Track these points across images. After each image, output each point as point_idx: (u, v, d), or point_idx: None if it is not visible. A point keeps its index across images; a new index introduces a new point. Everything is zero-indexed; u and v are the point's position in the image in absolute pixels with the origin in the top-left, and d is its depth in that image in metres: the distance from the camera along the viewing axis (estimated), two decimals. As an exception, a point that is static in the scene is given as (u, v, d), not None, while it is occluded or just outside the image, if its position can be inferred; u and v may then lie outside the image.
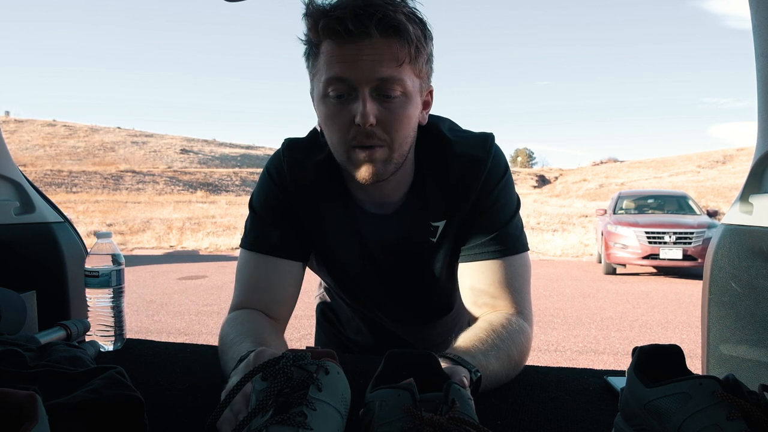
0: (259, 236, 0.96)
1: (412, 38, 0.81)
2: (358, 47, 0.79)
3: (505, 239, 0.92)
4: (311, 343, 1.39)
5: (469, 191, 0.92)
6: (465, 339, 0.82)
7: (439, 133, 0.95)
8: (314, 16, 0.80)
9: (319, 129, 0.93)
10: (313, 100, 0.92)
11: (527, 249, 0.96)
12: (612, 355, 4.40)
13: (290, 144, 1.00)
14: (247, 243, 0.97)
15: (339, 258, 1.02)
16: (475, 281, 0.93)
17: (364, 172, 0.85)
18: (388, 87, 0.81)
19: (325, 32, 0.80)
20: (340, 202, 0.97)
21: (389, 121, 0.82)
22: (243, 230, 1.01)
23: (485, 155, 0.92)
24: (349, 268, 1.03)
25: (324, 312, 1.32)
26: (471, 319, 0.95)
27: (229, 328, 0.88)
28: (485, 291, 0.92)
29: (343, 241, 0.99)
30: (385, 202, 0.96)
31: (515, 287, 0.92)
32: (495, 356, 0.79)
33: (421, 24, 0.84)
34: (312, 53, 0.86)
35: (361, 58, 0.79)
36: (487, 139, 0.95)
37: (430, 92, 0.92)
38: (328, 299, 1.31)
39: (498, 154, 0.95)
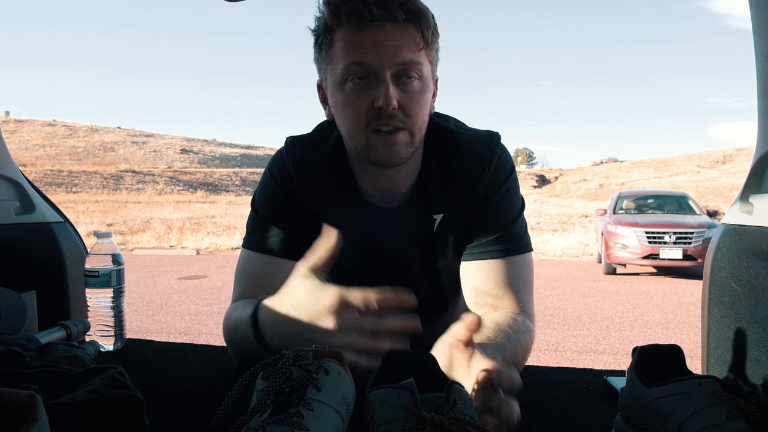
0: (261, 237, 0.96)
1: (429, 23, 0.83)
2: (378, 32, 0.80)
3: (510, 239, 0.92)
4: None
5: (473, 188, 0.92)
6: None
7: (445, 129, 0.95)
8: (335, 2, 0.81)
9: (330, 120, 0.93)
10: (321, 91, 0.92)
11: (531, 249, 0.96)
12: (612, 355, 4.40)
13: (294, 141, 1.00)
14: (248, 243, 0.97)
15: (343, 252, 1.01)
16: (478, 280, 0.92)
17: (384, 155, 0.85)
18: (409, 71, 0.82)
19: (347, 17, 0.80)
20: (346, 196, 0.97)
21: (409, 104, 0.83)
22: (245, 230, 1.01)
23: (490, 154, 0.93)
24: (353, 263, 1.02)
25: None
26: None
27: (232, 310, 0.89)
28: (488, 291, 0.91)
29: (348, 236, 0.99)
30: (391, 194, 0.96)
31: (518, 287, 0.92)
32: (502, 356, 0.78)
33: (431, 15, 0.86)
34: (325, 42, 0.86)
35: (382, 43, 0.80)
36: (493, 138, 0.95)
37: (436, 82, 0.93)
38: None
39: (504, 153, 0.95)
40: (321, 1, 0.84)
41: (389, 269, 1.02)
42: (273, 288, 0.95)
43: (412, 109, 0.84)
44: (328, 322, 0.68)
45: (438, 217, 0.95)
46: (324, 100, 0.92)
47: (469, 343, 0.64)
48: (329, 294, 0.68)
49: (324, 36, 0.86)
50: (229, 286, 1.00)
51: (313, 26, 0.87)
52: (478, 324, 0.61)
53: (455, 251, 0.97)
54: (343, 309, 0.67)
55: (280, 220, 0.96)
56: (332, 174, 0.96)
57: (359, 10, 0.79)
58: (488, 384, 0.59)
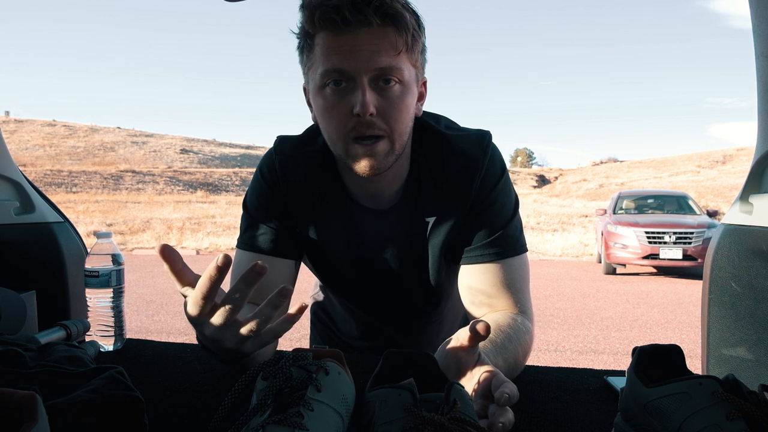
0: (253, 236, 0.96)
1: (408, 27, 0.81)
2: (355, 37, 0.79)
3: (505, 241, 0.92)
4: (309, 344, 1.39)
5: (464, 190, 0.91)
6: None
7: (435, 130, 0.95)
8: (310, 7, 0.80)
9: (315, 123, 0.93)
10: (306, 94, 0.91)
11: (526, 250, 0.96)
12: (612, 355, 4.40)
13: (282, 141, 1.00)
14: (241, 243, 0.98)
15: (332, 254, 1.01)
16: (476, 283, 0.92)
17: (364, 166, 0.84)
18: (387, 76, 0.81)
19: (322, 22, 0.79)
20: (335, 198, 0.96)
21: (388, 110, 0.82)
22: (239, 231, 1.01)
23: (482, 154, 0.92)
24: (343, 264, 1.02)
25: (318, 312, 1.32)
26: (471, 319, 0.94)
27: None
28: (486, 293, 0.91)
29: (337, 237, 0.99)
30: (380, 196, 0.95)
31: (516, 288, 0.92)
32: (503, 357, 0.78)
33: (415, 14, 0.84)
34: (306, 46, 0.85)
35: (358, 48, 0.79)
36: (484, 137, 0.94)
37: (424, 84, 0.92)
38: (323, 299, 1.31)
39: (495, 153, 0.94)
40: (300, 5, 0.83)
41: (381, 271, 1.02)
42: (263, 286, 0.95)
43: (392, 115, 0.82)
44: (207, 324, 0.64)
45: (431, 220, 0.95)
46: (310, 103, 0.92)
47: (474, 349, 0.64)
48: (189, 302, 0.63)
49: (305, 40, 0.85)
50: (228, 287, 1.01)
51: (296, 30, 0.86)
52: (487, 331, 0.60)
53: (449, 253, 0.97)
54: (203, 309, 0.62)
55: (270, 219, 0.96)
56: (320, 175, 0.95)
57: (332, 15, 0.77)
58: (487, 392, 0.60)
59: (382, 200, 0.96)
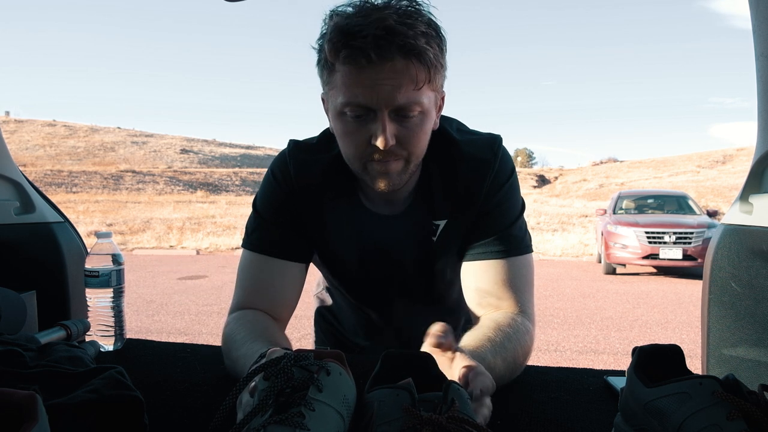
0: (262, 237, 0.96)
1: (431, 61, 0.80)
2: (377, 71, 0.78)
3: (509, 240, 0.93)
4: (311, 343, 1.39)
5: (475, 193, 0.92)
6: (472, 338, 0.81)
7: (446, 134, 0.95)
8: (336, 45, 0.78)
9: (331, 131, 0.93)
10: (325, 107, 0.91)
11: (531, 251, 0.96)
12: (612, 355, 4.40)
13: (296, 145, 1.00)
14: (249, 244, 0.97)
15: (343, 257, 1.02)
16: (478, 281, 0.93)
17: (380, 183, 0.86)
18: (407, 109, 0.81)
19: (347, 61, 0.78)
20: (347, 202, 0.97)
21: (407, 138, 0.83)
22: (244, 231, 1.01)
23: (492, 158, 0.93)
24: (353, 268, 1.03)
25: (322, 312, 1.32)
26: (474, 319, 0.95)
27: (236, 326, 0.88)
28: (488, 291, 0.92)
29: (348, 241, 0.99)
30: (391, 201, 0.97)
31: (518, 287, 0.92)
32: (502, 357, 0.78)
33: (438, 39, 0.82)
34: (327, 66, 0.84)
35: (380, 84, 0.78)
36: (495, 141, 0.95)
37: (443, 98, 0.92)
38: (328, 299, 1.31)
39: (505, 156, 0.95)
40: (323, 29, 0.82)
41: (392, 273, 1.03)
42: (274, 288, 0.95)
43: (411, 142, 0.84)
44: None
45: (441, 223, 0.96)
46: (327, 111, 0.92)
47: (447, 348, 0.65)
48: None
49: (326, 61, 0.84)
50: (229, 286, 1.01)
51: (315, 44, 0.85)
52: (444, 331, 0.64)
53: (456, 253, 0.97)
54: None
55: (281, 221, 0.96)
56: (333, 181, 0.96)
57: (357, 56, 0.77)
58: (465, 387, 0.61)
59: (394, 205, 0.97)
